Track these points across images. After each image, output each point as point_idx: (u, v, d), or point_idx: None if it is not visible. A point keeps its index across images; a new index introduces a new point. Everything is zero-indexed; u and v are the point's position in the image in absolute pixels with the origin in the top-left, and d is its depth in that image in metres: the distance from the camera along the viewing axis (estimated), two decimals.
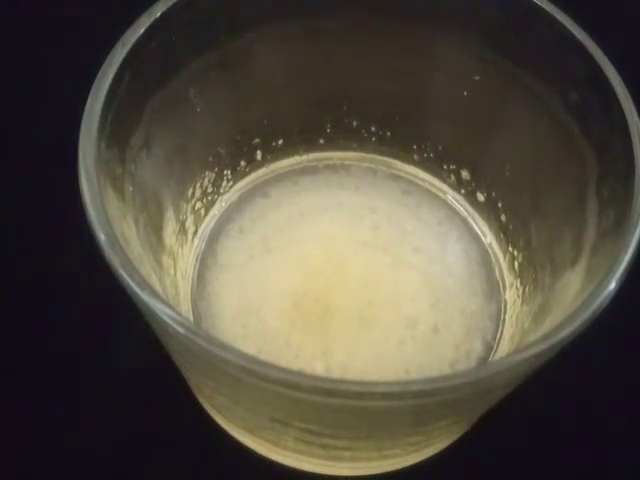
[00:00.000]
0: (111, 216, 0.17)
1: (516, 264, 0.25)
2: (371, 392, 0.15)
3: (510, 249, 0.25)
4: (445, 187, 0.27)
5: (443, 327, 0.24)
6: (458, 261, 0.25)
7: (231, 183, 0.26)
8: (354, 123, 0.26)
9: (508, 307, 0.24)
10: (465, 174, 0.26)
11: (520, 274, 0.24)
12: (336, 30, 0.23)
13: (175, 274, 0.23)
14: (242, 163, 0.26)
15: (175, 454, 0.24)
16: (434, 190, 0.27)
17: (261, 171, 0.27)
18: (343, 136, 0.27)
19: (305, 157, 0.27)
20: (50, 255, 0.26)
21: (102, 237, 0.16)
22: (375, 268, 0.25)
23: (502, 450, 0.24)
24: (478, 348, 0.24)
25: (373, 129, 0.27)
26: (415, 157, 0.27)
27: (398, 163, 0.27)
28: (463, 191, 0.26)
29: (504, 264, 0.25)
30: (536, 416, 0.25)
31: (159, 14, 0.20)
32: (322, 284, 0.24)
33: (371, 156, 0.27)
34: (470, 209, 0.26)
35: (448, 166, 0.26)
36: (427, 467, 0.23)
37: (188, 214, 0.25)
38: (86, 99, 0.18)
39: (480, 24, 0.22)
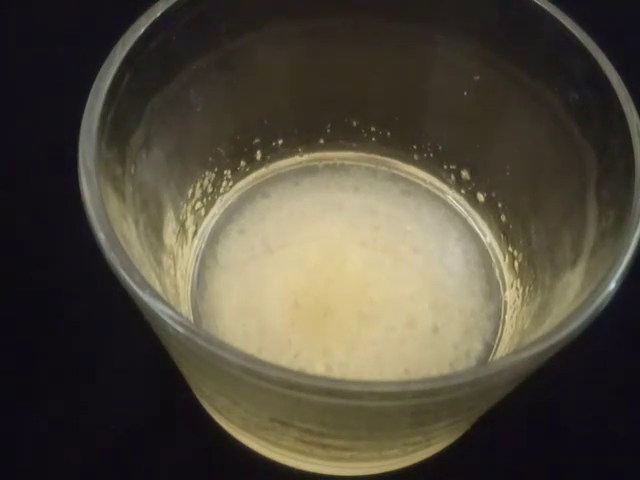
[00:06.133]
0: (111, 216, 0.17)
1: (516, 264, 0.25)
2: (371, 392, 0.15)
3: (510, 249, 0.25)
4: (445, 187, 0.27)
5: (443, 327, 0.24)
6: (458, 261, 0.25)
7: (231, 183, 0.26)
8: (354, 123, 0.26)
9: (508, 307, 0.24)
10: (465, 174, 0.26)
11: (520, 274, 0.24)
12: (336, 30, 0.23)
13: (175, 274, 0.23)
14: (242, 163, 0.26)
15: (175, 454, 0.24)
16: (434, 190, 0.27)
17: (261, 171, 0.27)
18: (343, 136, 0.27)
19: (305, 157, 0.27)
20: (50, 255, 0.26)
21: (102, 237, 0.16)
22: (375, 268, 0.25)
23: (502, 450, 0.24)
24: (478, 348, 0.24)
25: (373, 129, 0.27)
26: (415, 157, 0.27)
27: (398, 163, 0.27)
28: (463, 191, 0.26)
29: (504, 264, 0.25)
30: (536, 416, 0.25)
31: (159, 14, 0.20)
32: (322, 284, 0.24)
33: (371, 156, 0.27)
34: (470, 209, 0.26)
35: (448, 166, 0.26)
36: (427, 467, 0.23)
37: (188, 214, 0.25)
38: (86, 99, 0.18)
39: (480, 24, 0.22)
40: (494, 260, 0.26)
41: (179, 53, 0.21)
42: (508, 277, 0.25)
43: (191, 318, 0.24)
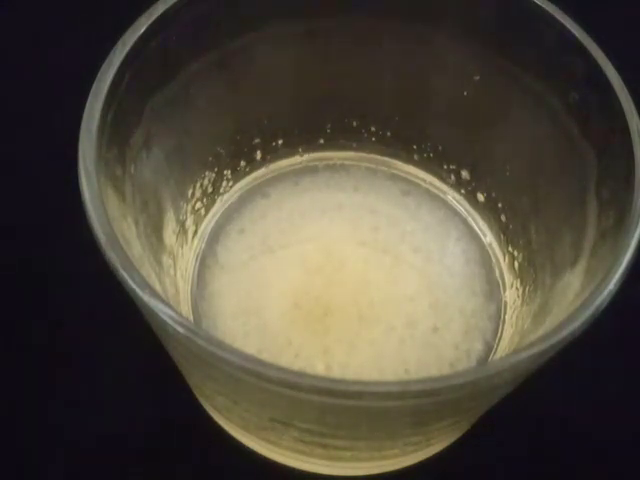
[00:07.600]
0: (111, 216, 0.17)
1: (516, 264, 0.25)
2: (371, 392, 0.15)
3: (510, 249, 0.25)
4: (445, 187, 0.27)
5: (443, 327, 0.24)
6: (458, 261, 0.25)
7: (231, 183, 0.26)
8: (354, 123, 0.26)
9: (508, 307, 0.24)
10: (465, 174, 0.26)
11: (520, 274, 0.24)
12: (336, 30, 0.23)
13: (175, 274, 0.23)
14: (242, 163, 0.26)
15: (175, 454, 0.24)
16: (434, 190, 0.27)
17: (261, 171, 0.27)
18: (343, 136, 0.27)
19: (305, 157, 0.27)
20: (50, 255, 0.26)
21: (102, 237, 0.16)
22: (375, 268, 0.25)
23: (502, 450, 0.24)
24: (478, 348, 0.24)
25: (373, 129, 0.27)
26: (415, 157, 0.27)
27: (398, 163, 0.27)
28: (463, 191, 0.26)
29: (504, 264, 0.25)
30: (536, 416, 0.25)
31: (159, 14, 0.20)
32: (322, 284, 0.24)
33: (371, 156, 0.27)
34: (470, 209, 0.26)
35: (448, 166, 0.26)
36: (427, 467, 0.23)
37: (188, 214, 0.25)
38: (86, 99, 0.18)
39: (480, 24, 0.22)
40: (494, 260, 0.26)
41: (179, 53, 0.21)
42: (508, 277, 0.25)
43: (191, 318, 0.24)
